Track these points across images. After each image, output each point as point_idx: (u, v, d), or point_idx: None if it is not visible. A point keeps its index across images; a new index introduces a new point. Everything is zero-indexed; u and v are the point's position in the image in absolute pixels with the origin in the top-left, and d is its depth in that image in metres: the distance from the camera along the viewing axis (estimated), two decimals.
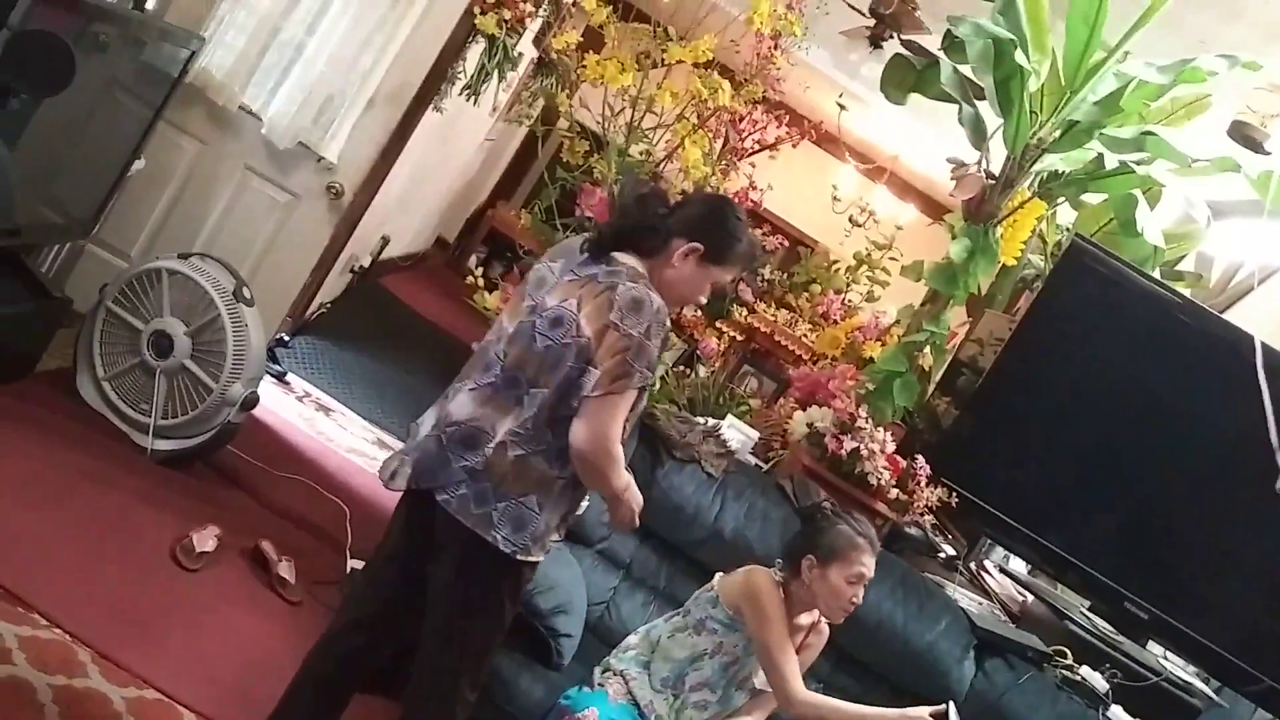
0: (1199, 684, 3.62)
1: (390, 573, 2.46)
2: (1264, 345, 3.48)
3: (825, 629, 2.73)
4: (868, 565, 2.59)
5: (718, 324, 5.69)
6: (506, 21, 4.59)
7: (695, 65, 3.63)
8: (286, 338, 5.16)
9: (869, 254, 5.97)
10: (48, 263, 3.86)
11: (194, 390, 3.57)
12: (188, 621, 2.94)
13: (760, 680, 2.64)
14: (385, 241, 6.50)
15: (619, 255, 2.29)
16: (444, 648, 2.33)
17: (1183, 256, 4.85)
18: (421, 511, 2.30)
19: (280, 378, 4.88)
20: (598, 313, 2.19)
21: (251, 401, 3.62)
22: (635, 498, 2.33)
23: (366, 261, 6.14)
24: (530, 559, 2.26)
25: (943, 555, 3.86)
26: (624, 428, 2.24)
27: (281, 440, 4.30)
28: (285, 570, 3.33)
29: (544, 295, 2.29)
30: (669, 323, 2.28)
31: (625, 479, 2.28)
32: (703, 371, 4.60)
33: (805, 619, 2.68)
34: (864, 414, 3.53)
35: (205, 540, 3.22)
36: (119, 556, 3.02)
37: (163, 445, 3.58)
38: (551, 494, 2.24)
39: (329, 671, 2.49)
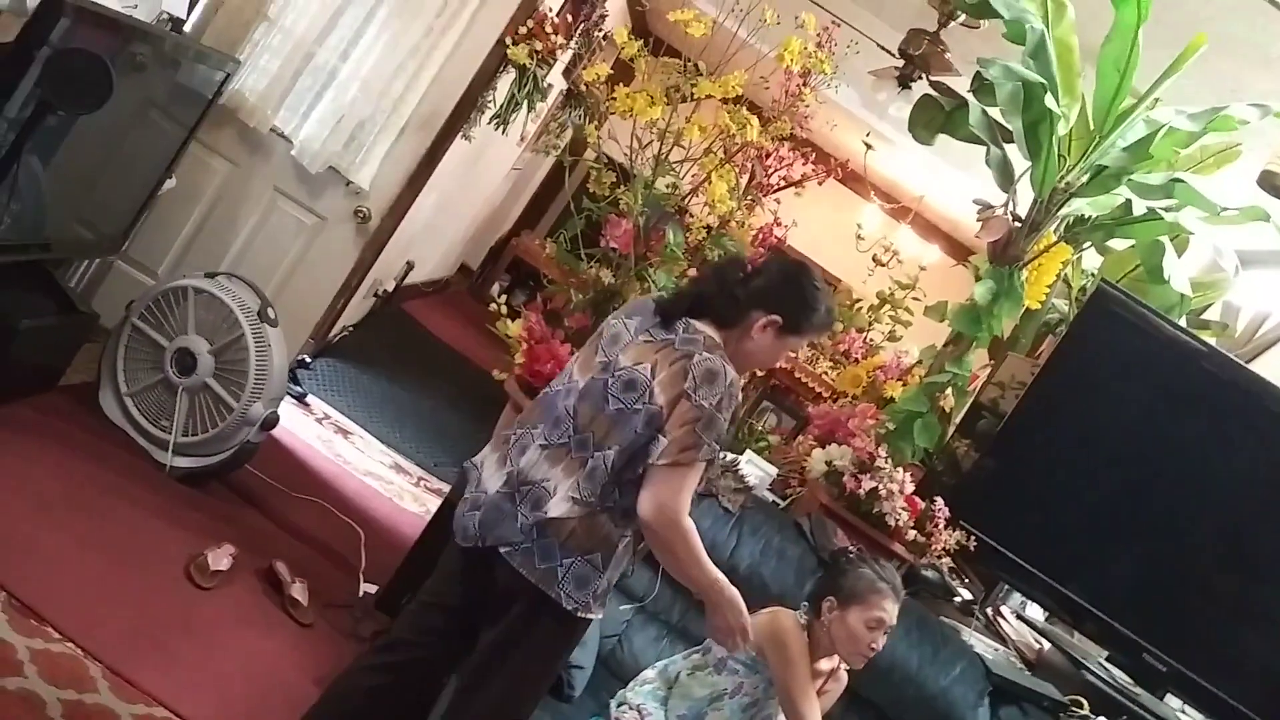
0: None
1: (436, 619, 2.40)
2: None
3: (844, 676, 2.70)
4: (889, 611, 2.55)
5: None
6: (538, 53, 4.64)
7: (724, 100, 3.65)
8: (308, 359, 5.19)
9: (892, 293, 5.95)
10: (76, 277, 3.90)
11: (215, 409, 3.58)
12: (199, 640, 2.94)
13: None
14: (410, 267, 6.54)
15: (696, 323, 2.28)
16: (490, 704, 2.28)
17: (1209, 305, 4.82)
18: (481, 564, 2.27)
19: (300, 399, 4.90)
20: (672, 381, 2.18)
21: (272, 422, 3.64)
22: (733, 601, 2.24)
23: (390, 286, 6.17)
24: (589, 616, 2.24)
25: (959, 599, 3.82)
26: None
27: (299, 461, 4.31)
28: (298, 592, 3.33)
29: (618, 353, 2.28)
30: (740, 395, 2.26)
31: (709, 566, 2.22)
32: None
33: (825, 664, 2.64)
34: (883, 454, 3.50)
35: (220, 559, 3.22)
36: (134, 572, 3.03)
37: (182, 462, 3.59)
38: (615, 553, 2.23)
39: (355, 706, 2.42)
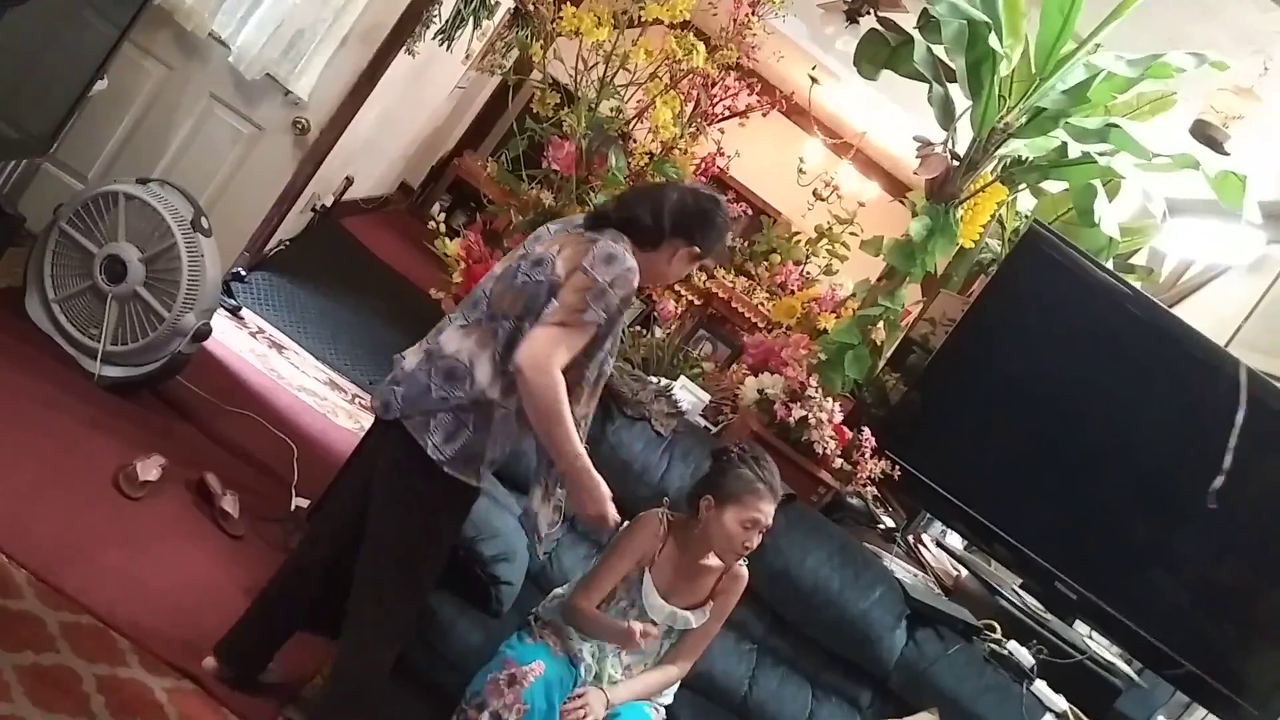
0: (1121, 664, 3.73)
1: (353, 494, 2.57)
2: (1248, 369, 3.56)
3: (743, 573, 2.74)
4: (765, 511, 2.59)
5: (675, 287, 5.70)
6: None
7: (671, 25, 3.62)
8: (243, 272, 5.12)
9: (830, 227, 6.01)
10: (1, 179, 3.79)
11: (146, 318, 3.53)
12: (127, 549, 2.92)
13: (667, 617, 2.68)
14: (349, 182, 6.43)
15: (614, 232, 2.44)
16: (376, 557, 2.44)
17: (1136, 250, 4.93)
18: (390, 435, 2.43)
19: (235, 312, 4.84)
20: (573, 256, 2.36)
21: (204, 333, 3.59)
22: (594, 486, 2.37)
23: (329, 201, 6.08)
24: (458, 476, 2.35)
25: (882, 526, 3.93)
26: (586, 391, 2.43)
27: (232, 375, 4.27)
28: (229, 504, 3.32)
29: (534, 245, 2.46)
30: (635, 286, 2.39)
31: (573, 436, 2.33)
32: (659, 333, 4.63)
33: (713, 560, 2.69)
34: (814, 383, 3.56)
35: (149, 470, 3.20)
36: (61, 481, 3.00)
37: (111, 372, 3.54)
38: (490, 418, 2.35)
39: (294, 585, 2.65)
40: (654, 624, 2.60)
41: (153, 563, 2.95)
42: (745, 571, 2.75)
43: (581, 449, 2.36)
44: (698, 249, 2.52)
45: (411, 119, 7.32)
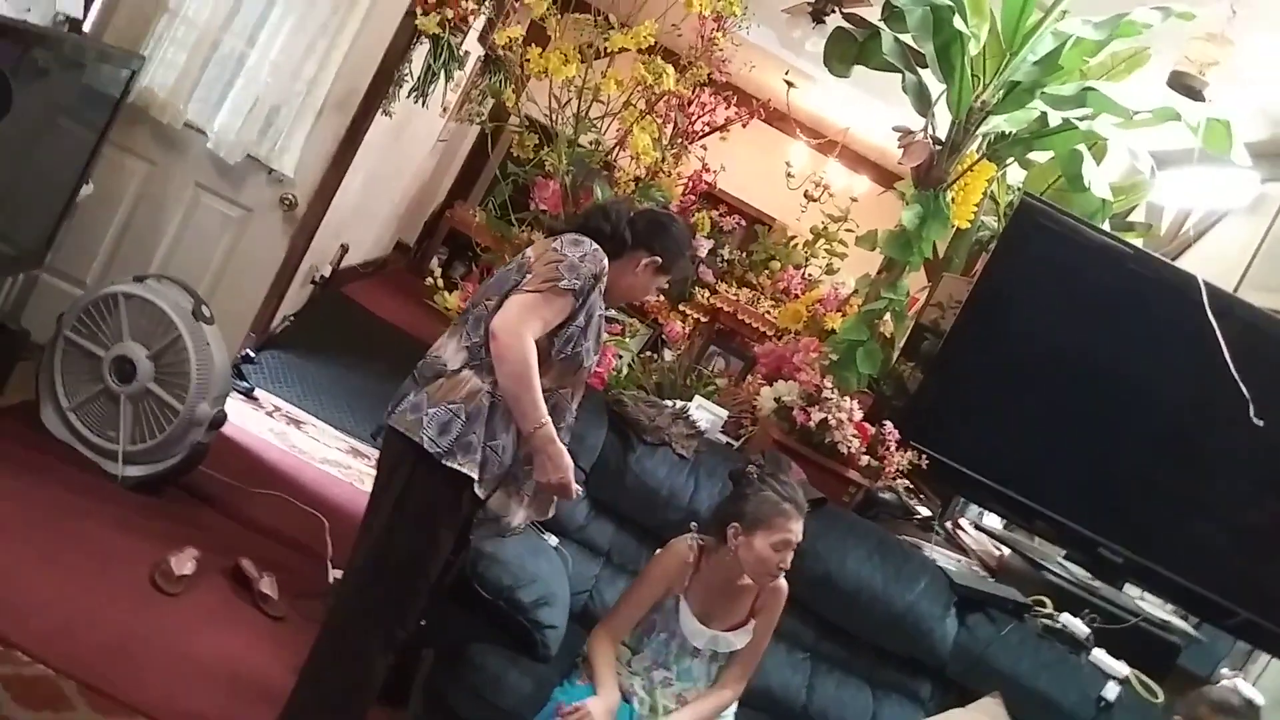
0: (1177, 621, 3.69)
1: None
2: (1207, 285, 3.54)
3: (782, 585, 2.74)
4: (795, 530, 2.60)
5: (681, 307, 5.70)
6: (449, 21, 4.58)
7: (639, 51, 3.64)
8: (252, 353, 5.15)
9: (825, 227, 6.01)
10: (2, 296, 3.82)
11: (160, 413, 3.55)
12: (172, 646, 2.93)
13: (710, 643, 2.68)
14: (345, 250, 6.48)
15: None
16: (367, 555, 2.50)
17: (1134, 207, 4.92)
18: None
19: (248, 394, 4.87)
20: (544, 247, 2.54)
21: (219, 420, 3.61)
22: (557, 455, 2.46)
23: (327, 271, 6.12)
24: (456, 466, 2.39)
25: (918, 517, 3.91)
26: (555, 368, 2.48)
27: (254, 457, 4.29)
28: (267, 586, 3.33)
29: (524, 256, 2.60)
30: (605, 266, 2.53)
31: (541, 405, 2.41)
32: (669, 355, 4.63)
33: (748, 580, 2.69)
34: (829, 384, 3.56)
35: (184, 563, 3.21)
36: (98, 586, 3.01)
37: (133, 471, 3.56)
38: (480, 408, 2.42)
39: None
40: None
41: (200, 655, 2.95)
42: (784, 583, 2.74)
43: (547, 417, 2.43)
44: (659, 259, 2.64)
45: (398, 178, 7.38)
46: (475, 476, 2.43)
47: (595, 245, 2.53)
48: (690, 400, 3.61)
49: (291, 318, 5.78)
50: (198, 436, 3.57)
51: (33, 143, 3.34)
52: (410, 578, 2.50)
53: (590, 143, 3.75)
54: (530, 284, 2.43)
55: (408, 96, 5.05)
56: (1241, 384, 3.46)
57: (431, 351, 2.55)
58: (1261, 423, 3.43)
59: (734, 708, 2.76)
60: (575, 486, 2.53)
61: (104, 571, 3.08)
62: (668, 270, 2.68)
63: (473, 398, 2.43)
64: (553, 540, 2.99)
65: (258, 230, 4.21)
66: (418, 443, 2.41)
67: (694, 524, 2.79)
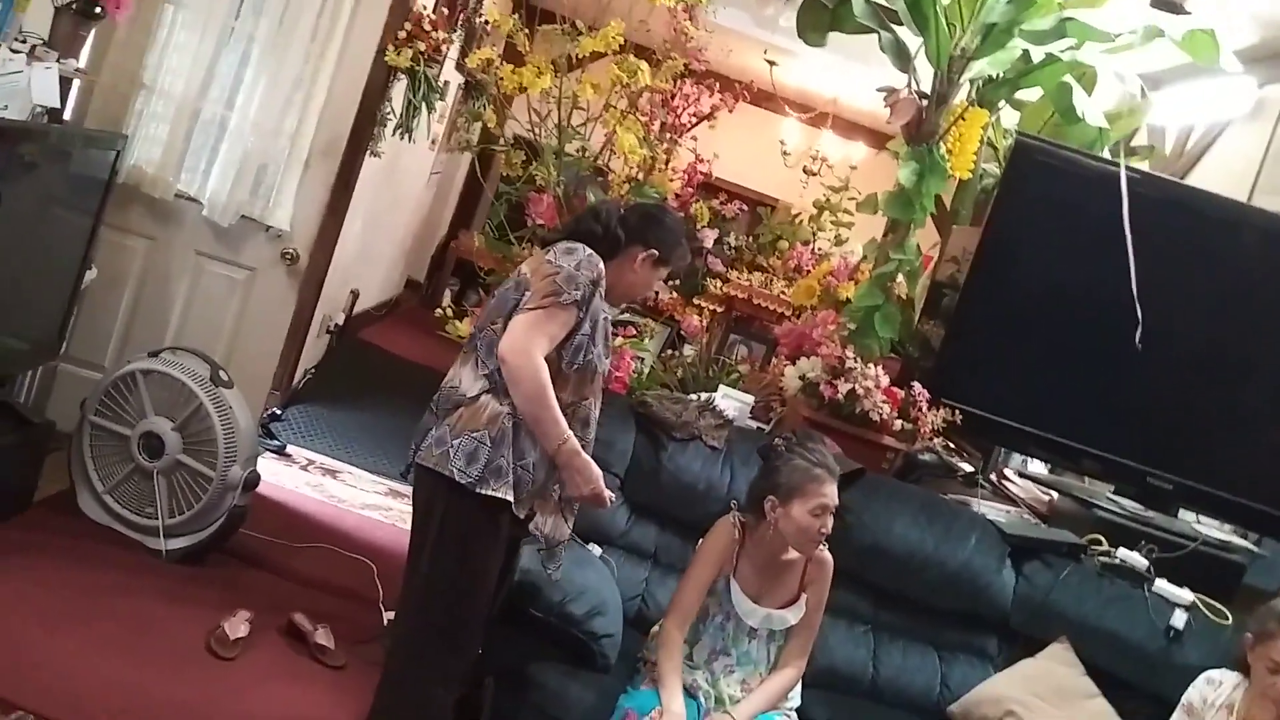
0: (1237, 540, 3.64)
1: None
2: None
3: (826, 557, 2.73)
4: (829, 494, 2.59)
5: (695, 301, 5.69)
6: (423, 53, 4.59)
7: (615, 52, 3.63)
8: (279, 411, 5.17)
9: (827, 199, 5.98)
10: (24, 391, 3.86)
11: (194, 483, 3.57)
12: (237, 709, 2.93)
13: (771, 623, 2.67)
14: (355, 295, 6.51)
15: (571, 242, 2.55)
16: (416, 595, 2.51)
17: (1134, 132, 4.86)
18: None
19: (280, 451, 4.89)
20: (536, 261, 2.52)
21: (253, 481, 3.62)
22: (584, 467, 2.47)
23: (341, 319, 6.14)
24: (490, 493, 2.39)
25: (961, 474, 3.87)
26: (572, 380, 2.47)
27: (293, 512, 4.30)
28: (323, 637, 3.33)
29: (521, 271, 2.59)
30: (602, 269, 2.50)
31: (561, 420, 2.41)
32: (689, 351, 4.62)
33: (793, 554, 2.69)
34: (852, 354, 3.53)
35: (237, 627, 3.22)
36: (156, 661, 3.02)
37: (176, 544, 3.58)
38: (504, 431, 2.41)
39: None
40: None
41: (266, 714, 2.96)
42: (828, 555, 2.73)
43: (569, 433, 2.43)
44: (655, 251, 2.62)
45: (397, 216, 7.40)
46: (510, 499, 2.42)
47: (589, 251, 2.50)
48: (715, 391, 3.59)
49: (312, 370, 5.81)
50: (234, 500, 3.58)
51: (31, 237, 3.37)
52: (461, 611, 2.49)
53: (577, 150, 3.74)
54: (531, 301, 2.42)
55: (393, 134, 5.06)
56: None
57: (446, 382, 2.54)
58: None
59: (798, 690, 2.73)
60: (608, 494, 2.53)
61: (161, 646, 3.10)
62: (667, 261, 2.65)
63: (494, 422, 2.42)
64: (596, 550, 2.98)
65: (264, 289, 4.24)
66: (448, 475, 2.40)
67: (734, 503, 2.77)
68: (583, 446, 2.49)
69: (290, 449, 4.96)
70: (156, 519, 3.57)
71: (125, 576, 3.39)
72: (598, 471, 2.49)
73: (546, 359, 2.41)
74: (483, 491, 2.39)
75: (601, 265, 2.50)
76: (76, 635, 3.00)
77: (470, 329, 3.49)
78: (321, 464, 4.97)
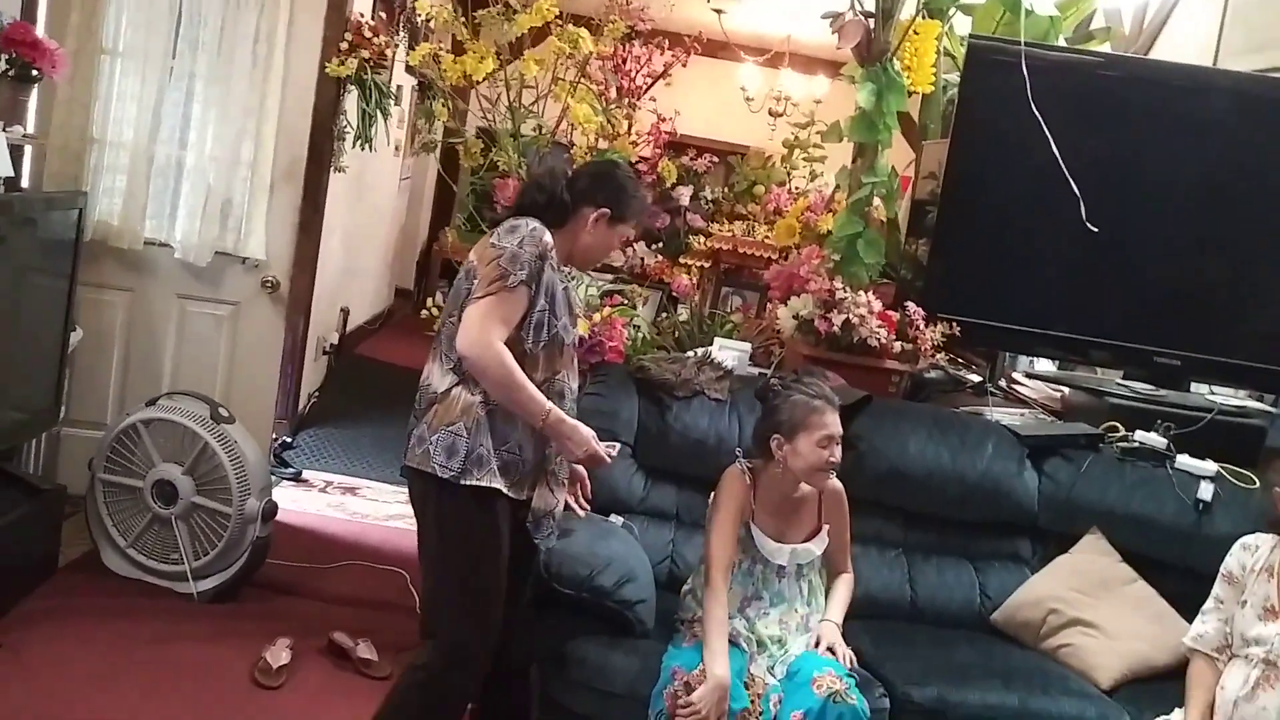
0: (1254, 404, 3.62)
1: None
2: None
3: (838, 485, 2.74)
4: (832, 423, 2.60)
5: (682, 261, 5.66)
6: (368, 60, 4.56)
7: (555, 23, 3.59)
8: (289, 439, 5.18)
9: (796, 137, 5.94)
10: (30, 461, 3.87)
11: (213, 522, 3.58)
12: None
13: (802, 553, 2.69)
14: (346, 313, 6.50)
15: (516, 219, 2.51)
16: (428, 596, 2.55)
17: (1090, 15, 4.82)
18: None
19: (296, 478, 4.90)
20: (484, 245, 2.47)
21: (271, 511, 3.63)
22: (573, 431, 2.45)
23: (335, 339, 6.14)
24: (474, 483, 2.39)
25: (970, 385, 3.86)
26: (541, 358, 2.44)
27: (318, 535, 4.32)
28: (365, 651, 3.35)
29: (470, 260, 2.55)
30: (553, 252, 2.45)
31: (536, 395, 2.40)
32: (683, 311, 4.60)
33: (806, 489, 2.70)
34: (841, 285, 3.51)
35: (279, 655, 3.23)
36: (205, 702, 3.04)
37: (206, 585, 3.59)
38: (479, 420, 2.40)
39: None
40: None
41: None
42: (839, 484, 2.74)
43: (549, 404, 2.42)
44: (607, 209, 2.54)
45: (375, 227, 7.39)
46: (498, 485, 2.42)
47: (533, 224, 2.45)
48: (710, 344, 3.58)
49: (316, 394, 5.81)
50: (255, 533, 3.59)
51: (9, 308, 3.36)
52: (473, 604, 2.48)
53: (534, 130, 3.72)
54: (479, 290, 2.38)
55: (354, 146, 5.04)
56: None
57: (422, 382, 2.53)
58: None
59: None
60: (604, 451, 2.51)
61: (208, 686, 3.11)
62: (623, 217, 2.57)
63: (468, 412, 2.41)
64: (617, 520, 2.98)
65: (250, 320, 4.23)
66: (431, 473, 2.40)
67: (738, 450, 2.77)
68: None
69: (306, 474, 4.97)
70: (183, 564, 3.58)
71: (162, 624, 3.41)
72: (587, 432, 2.48)
73: (509, 342, 2.38)
74: (467, 483, 2.39)
75: (546, 237, 2.44)
76: (124, 689, 3.02)
77: None
78: (339, 483, 4.98)
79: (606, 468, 2.63)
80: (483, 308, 2.37)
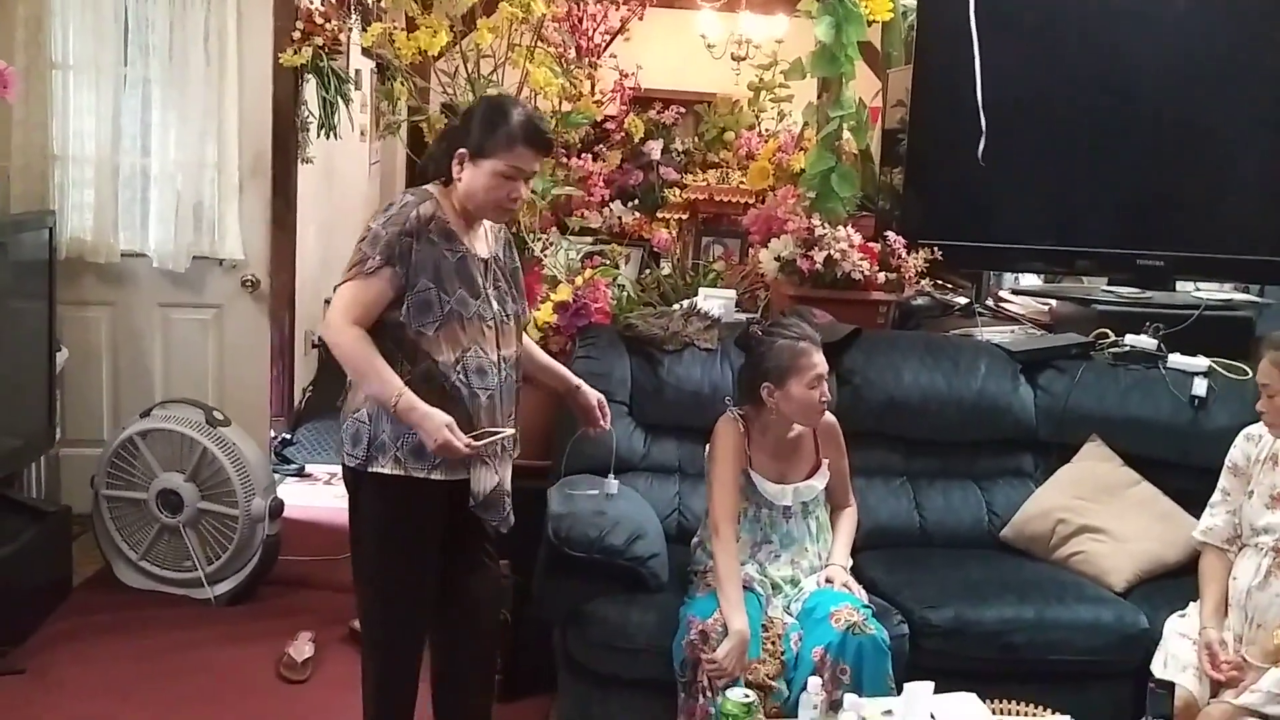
0: (1240, 296, 3.63)
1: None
2: None
3: (831, 420, 2.75)
4: (820, 363, 2.60)
5: (660, 215, 5.64)
6: (322, 47, 4.51)
7: None
8: (289, 436, 5.19)
9: (760, 79, 5.89)
10: (32, 485, 3.87)
11: (221, 525, 3.59)
12: None
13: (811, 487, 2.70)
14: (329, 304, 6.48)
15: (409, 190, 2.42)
16: (358, 595, 2.56)
17: None
18: None
19: (300, 474, 4.91)
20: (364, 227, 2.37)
21: (277, 508, 3.64)
22: (423, 416, 2.25)
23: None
24: (379, 470, 2.32)
25: (958, 308, 3.87)
26: (441, 339, 2.30)
27: (328, 527, 4.32)
28: None
29: None
30: (432, 224, 2.31)
31: (387, 377, 2.25)
32: (665, 266, 4.59)
33: (799, 428, 2.70)
34: (819, 222, 3.51)
35: (302, 649, 3.26)
36: (235, 704, 3.07)
37: (222, 588, 3.62)
38: (377, 406, 2.31)
39: None
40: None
41: None
42: (832, 418, 2.76)
43: (400, 390, 2.24)
44: (464, 149, 2.32)
45: (350, 215, 7.32)
46: (404, 472, 2.32)
47: (407, 196, 2.35)
48: (695, 295, 3.57)
49: (310, 388, 5.81)
50: (265, 531, 3.60)
51: None
52: (384, 597, 2.47)
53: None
54: (343, 274, 2.31)
55: (318, 136, 5.00)
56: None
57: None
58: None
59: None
60: (460, 441, 2.27)
61: (236, 687, 3.14)
62: (482, 149, 2.31)
63: (368, 399, 2.33)
64: (613, 484, 2.92)
65: (235, 321, 4.21)
66: (343, 463, 2.39)
67: (728, 399, 2.77)
68: (484, 393, 2.35)
69: (309, 468, 4.98)
70: (196, 570, 3.60)
71: (183, 632, 3.43)
72: (440, 420, 2.25)
73: (399, 328, 2.29)
74: (372, 469, 2.33)
75: (419, 210, 2.30)
76: (154, 700, 3.05)
77: None
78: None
79: (464, 456, 2.32)
80: (344, 293, 2.29)
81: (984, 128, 3.34)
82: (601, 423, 2.64)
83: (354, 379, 2.36)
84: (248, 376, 4.24)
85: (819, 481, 2.72)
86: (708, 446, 2.72)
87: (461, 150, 2.33)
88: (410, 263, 2.28)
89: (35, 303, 3.61)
